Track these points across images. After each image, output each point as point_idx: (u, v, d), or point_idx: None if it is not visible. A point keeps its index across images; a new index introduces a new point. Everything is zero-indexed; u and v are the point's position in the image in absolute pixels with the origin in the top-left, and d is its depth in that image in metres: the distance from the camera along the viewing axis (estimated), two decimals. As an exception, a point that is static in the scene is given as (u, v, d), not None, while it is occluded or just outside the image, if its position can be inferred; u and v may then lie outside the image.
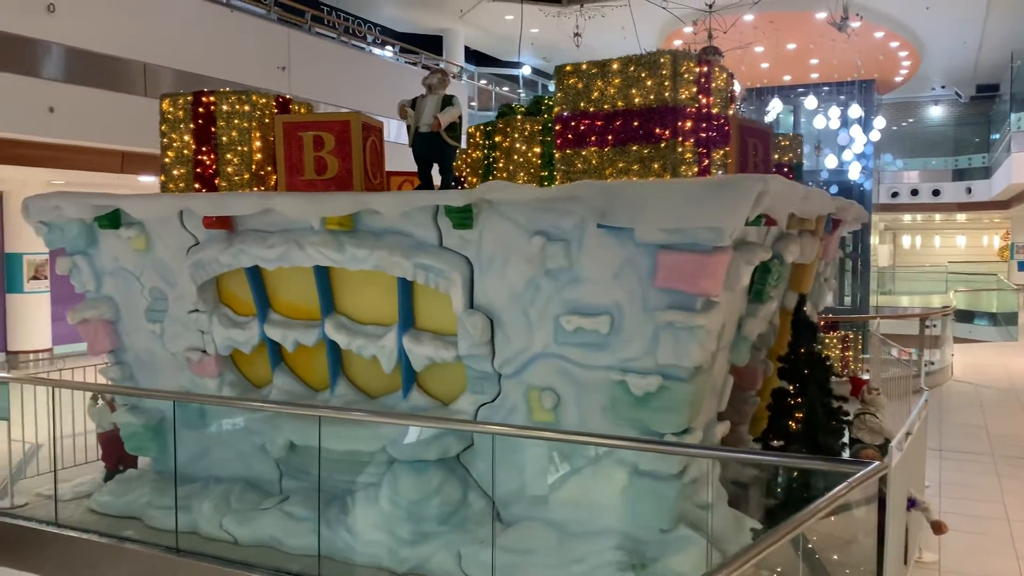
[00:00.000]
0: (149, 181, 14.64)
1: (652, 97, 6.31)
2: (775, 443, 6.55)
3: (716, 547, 5.54)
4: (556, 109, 6.69)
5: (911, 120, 34.96)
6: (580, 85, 6.56)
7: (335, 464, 6.62)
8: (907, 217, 36.57)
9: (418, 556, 6.17)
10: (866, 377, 11.22)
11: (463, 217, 5.96)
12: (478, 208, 5.96)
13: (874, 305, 26.90)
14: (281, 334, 6.96)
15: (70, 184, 14.64)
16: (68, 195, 7.43)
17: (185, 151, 7.59)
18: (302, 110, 7.92)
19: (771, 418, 6.65)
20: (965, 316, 25.07)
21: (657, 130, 6.27)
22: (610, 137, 6.44)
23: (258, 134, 7.46)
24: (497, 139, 7.94)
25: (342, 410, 6.58)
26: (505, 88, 29.23)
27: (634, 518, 5.81)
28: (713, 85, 6.65)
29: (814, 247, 7.23)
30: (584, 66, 6.57)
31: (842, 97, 26.19)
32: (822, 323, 11.22)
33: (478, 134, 8.19)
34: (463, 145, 7.86)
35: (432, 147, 7.01)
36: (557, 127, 6.67)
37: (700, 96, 6.48)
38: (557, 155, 6.69)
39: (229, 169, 7.46)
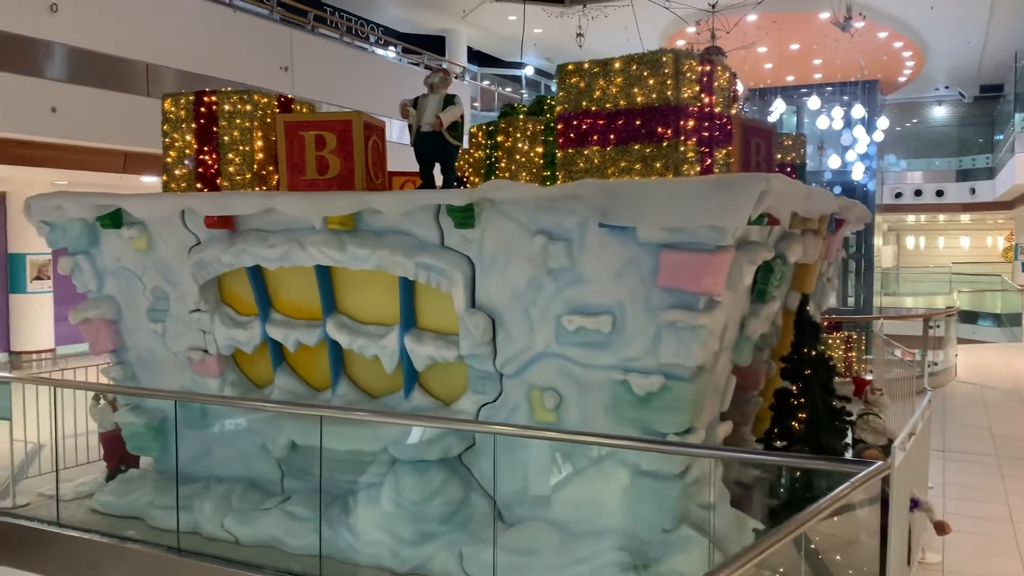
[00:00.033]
0: (151, 181, 14.65)
1: (654, 96, 6.29)
2: (778, 443, 6.53)
3: (718, 547, 5.52)
4: (558, 108, 6.68)
5: (915, 120, 34.89)
6: (582, 84, 6.54)
7: (337, 464, 6.61)
8: (911, 218, 36.49)
9: (420, 556, 6.15)
10: (869, 378, 11.19)
11: (465, 216, 5.95)
12: (480, 207, 5.94)
13: (878, 306, 26.88)
14: (283, 334, 6.95)
15: (73, 184, 14.67)
16: (70, 195, 7.42)
17: (187, 151, 7.59)
18: (304, 110, 7.91)
19: (774, 418, 6.63)
20: (969, 317, 25.02)
21: (659, 129, 6.25)
22: (612, 136, 6.42)
23: (260, 134, 7.46)
24: (499, 139, 7.93)
25: (344, 410, 6.57)
26: (508, 89, 29.23)
27: (636, 518, 5.80)
28: (716, 84, 6.64)
29: (817, 247, 7.21)
30: (586, 65, 6.55)
31: (845, 97, 26.16)
32: (825, 323, 11.19)
33: (480, 134, 8.18)
34: (465, 145, 7.85)
35: (434, 146, 7.00)
36: (559, 126, 6.65)
37: (702, 95, 6.46)
38: (559, 154, 6.67)
39: (231, 169, 7.46)
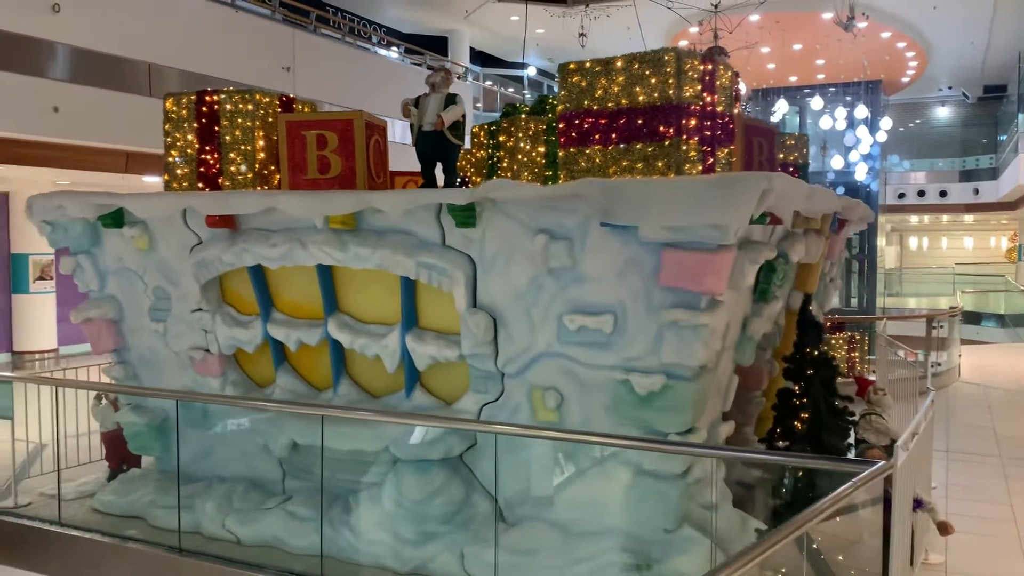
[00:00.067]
0: (154, 181, 14.66)
1: (656, 95, 6.27)
2: (780, 443, 6.51)
3: (720, 548, 5.50)
4: (560, 107, 6.66)
5: (918, 121, 34.84)
6: (584, 83, 6.53)
7: (338, 464, 6.60)
8: (914, 218, 36.44)
9: (421, 556, 6.14)
10: (872, 378, 11.16)
11: (466, 215, 5.93)
12: (481, 206, 5.93)
13: (881, 307, 26.82)
14: (284, 333, 6.94)
15: (75, 185, 14.68)
16: (71, 194, 7.42)
17: (189, 150, 7.59)
18: (305, 109, 7.90)
19: (776, 418, 6.61)
20: (973, 318, 24.99)
21: (661, 128, 6.23)
22: (614, 135, 6.41)
23: (261, 133, 7.45)
24: (501, 138, 7.92)
25: (345, 409, 6.56)
26: (511, 89, 29.22)
27: (638, 518, 5.78)
28: (718, 83, 6.62)
29: (819, 246, 7.19)
30: (588, 64, 6.54)
31: (848, 98, 26.13)
32: (828, 324, 11.17)
33: (482, 133, 8.17)
34: (466, 144, 7.85)
35: (435, 146, 6.99)
36: (561, 125, 6.64)
37: (704, 94, 6.44)
38: (561, 153, 6.66)
39: (232, 168, 7.45)
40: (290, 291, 7.03)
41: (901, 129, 32.57)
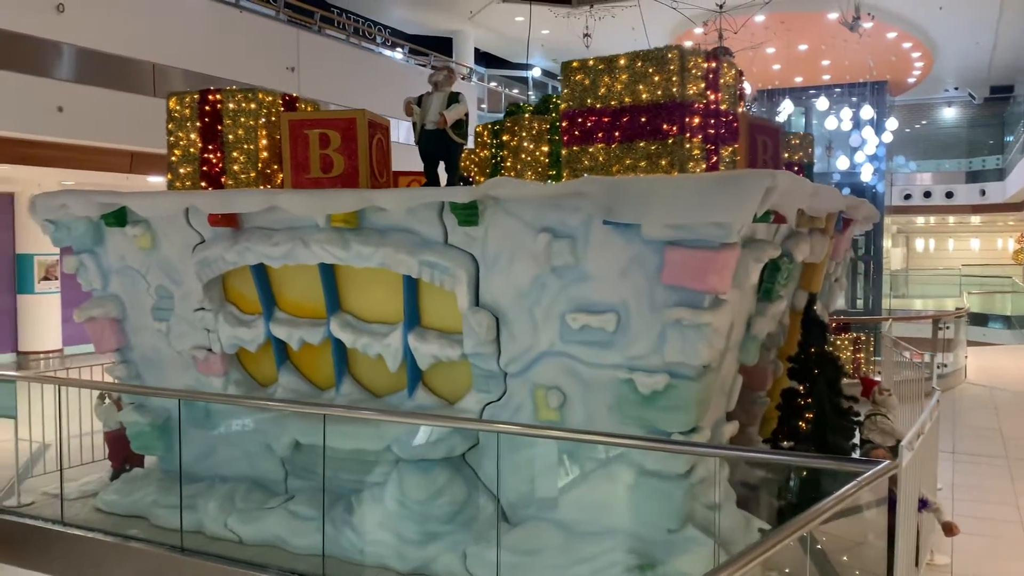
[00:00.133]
0: (158, 181, 14.69)
1: (660, 93, 6.24)
2: (785, 444, 6.47)
3: (724, 548, 5.46)
4: (563, 106, 6.64)
5: (924, 122, 34.75)
6: (587, 81, 6.50)
7: (340, 463, 6.58)
8: (920, 220, 36.33)
9: (423, 556, 6.12)
10: (878, 378, 11.11)
11: (468, 214, 5.91)
12: (483, 205, 5.91)
13: (886, 308, 26.71)
14: (287, 332, 6.93)
15: (80, 185, 14.70)
16: (75, 193, 7.43)
17: (192, 149, 7.58)
18: (308, 109, 7.89)
19: (781, 418, 6.57)
20: (979, 319, 24.90)
21: (664, 126, 6.21)
22: (617, 133, 6.38)
23: (264, 132, 7.44)
24: (505, 138, 7.90)
25: (347, 409, 6.53)
26: (515, 90, 29.23)
27: (641, 518, 5.75)
28: (722, 81, 6.59)
29: (824, 246, 7.15)
30: (591, 62, 6.52)
31: (854, 99, 26.03)
32: (833, 325, 11.11)
33: (486, 133, 8.15)
34: (470, 144, 7.83)
35: (438, 144, 6.98)
36: (564, 124, 6.61)
37: (708, 92, 6.41)
38: (564, 152, 6.63)
39: (235, 167, 7.44)
40: (292, 290, 7.02)
41: (907, 130, 32.48)
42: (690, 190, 5.26)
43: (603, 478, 5.92)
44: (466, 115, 7.05)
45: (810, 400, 6.43)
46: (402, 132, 16.38)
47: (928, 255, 40.18)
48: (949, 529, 5.99)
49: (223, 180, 7.47)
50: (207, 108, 7.50)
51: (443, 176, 7.20)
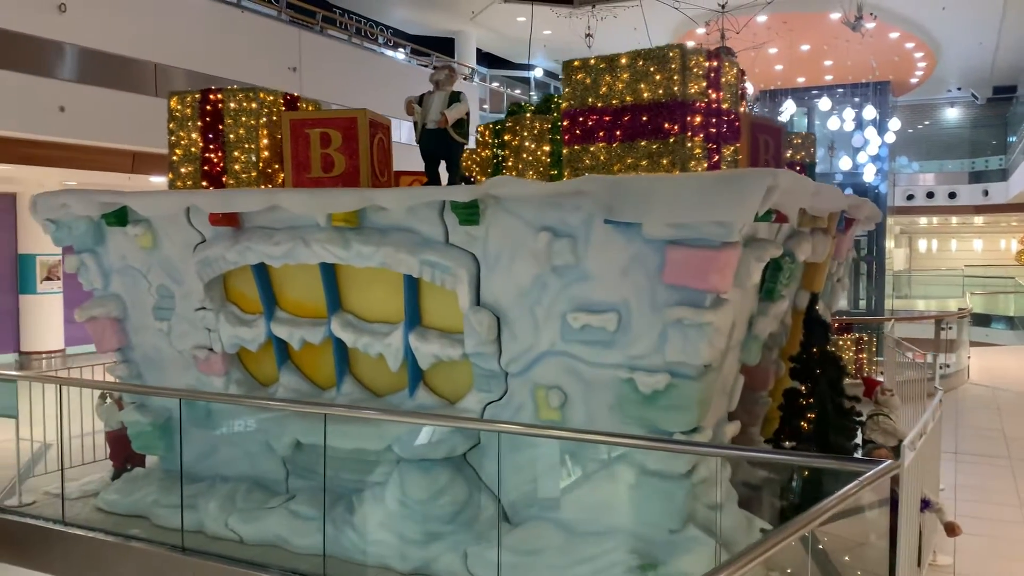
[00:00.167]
0: (160, 181, 14.69)
1: (661, 92, 6.23)
2: (787, 444, 6.45)
3: (725, 549, 5.44)
4: (564, 105, 6.63)
5: (927, 122, 34.67)
6: (588, 80, 6.49)
7: (341, 463, 6.57)
8: (923, 220, 36.24)
9: (424, 556, 6.11)
10: (880, 379, 11.08)
11: (469, 213, 5.90)
12: (484, 204, 5.90)
13: (889, 309, 26.68)
14: (287, 332, 6.92)
15: (82, 185, 14.69)
16: (76, 192, 7.43)
17: (193, 149, 7.58)
18: (310, 108, 7.88)
19: (783, 418, 6.55)
20: (982, 320, 24.83)
21: (666, 125, 6.19)
22: (618, 132, 6.37)
23: (265, 132, 7.43)
24: (506, 137, 7.90)
25: (348, 408, 6.52)
26: (517, 91, 29.21)
27: (642, 518, 5.73)
28: (723, 80, 6.57)
29: (826, 245, 7.13)
30: (592, 61, 6.51)
31: (857, 99, 26.01)
32: (836, 325, 11.08)
33: (487, 132, 8.14)
34: (471, 144, 7.81)
35: (439, 143, 6.97)
36: (565, 123, 6.60)
37: (710, 91, 6.40)
38: (565, 151, 6.62)
39: (236, 167, 7.44)
40: (293, 289, 7.01)
41: (910, 130, 32.43)
42: (691, 189, 5.24)
43: (604, 478, 5.90)
44: (467, 114, 7.04)
45: (812, 400, 6.41)
46: (404, 132, 16.38)
47: (931, 256, 40.07)
48: (951, 529, 5.97)
49: (224, 179, 7.47)
50: (208, 107, 7.50)
51: (444, 175, 7.19)
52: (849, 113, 23.74)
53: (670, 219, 5.26)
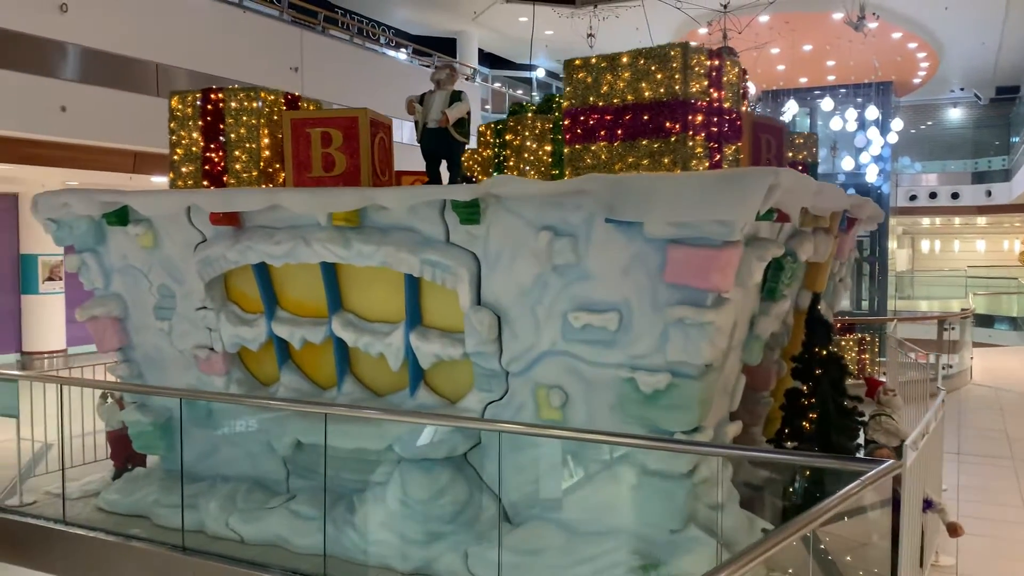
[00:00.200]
0: (162, 181, 14.69)
1: (662, 90, 6.21)
2: (789, 444, 6.44)
3: (727, 549, 5.43)
4: (565, 104, 6.61)
5: (929, 122, 34.63)
6: (589, 79, 6.47)
7: (342, 463, 6.56)
8: (926, 221, 36.21)
9: (425, 555, 6.10)
10: (882, 379, 11.05)
11: (470, 212, 5.89)
12: (485, 203, 5.88)
13: (892, 309, 26.65)
14: (288, 331, 6.91)
15: (83, 185, 14.70)
16: (77, 192, 7.42)
17: (194, 148, 7.57)
18: (311, 107, 7.88)
19: (785, 419, 6.53)
20: (985, 320, 24.79)
21: (667, 124, 6.17)
22: (620, 131, 6.35)
23: (266, 131, 7.43)
24: (508, 137, 7.88)
25: (349, 408, 6.51)
26: (519, 91, 29.20)
27: (643, 518, 5.71)
28: (725, 79, 6.56)
29: (828, 245, 7.11)
30: (593, 60, 6.49)
31: (859, 99, 26.00)
32: (838, 324, 11.06)
33: (489, 132, 8.13)
34: (473, 143, 7.80)
35: (440, 143, 6.95)
36: (566, 122, 6.58)
37: (711, 90, 6.38)
38: (566, 150, 6.61)
39: (237, 166, 7.43)
40: (294, 289, 7.00)
41: (912, 131, 32.41)
42: (693, 188, 5.23)
43: (605, 478, 5.89)
44: (468, 114, 7.02)
45: (814, 400, 6.39)
46: (405, 132, 16.38)
47: (933, 256, 40.03)
48: (954, 530, 5.95)
49: (225, 179, 7.46)
50: (209, 107, 7.49)
51: (445, 175, 7.18)
52: (851, 113, 23.72)
53: (671, 218, 5.24)
